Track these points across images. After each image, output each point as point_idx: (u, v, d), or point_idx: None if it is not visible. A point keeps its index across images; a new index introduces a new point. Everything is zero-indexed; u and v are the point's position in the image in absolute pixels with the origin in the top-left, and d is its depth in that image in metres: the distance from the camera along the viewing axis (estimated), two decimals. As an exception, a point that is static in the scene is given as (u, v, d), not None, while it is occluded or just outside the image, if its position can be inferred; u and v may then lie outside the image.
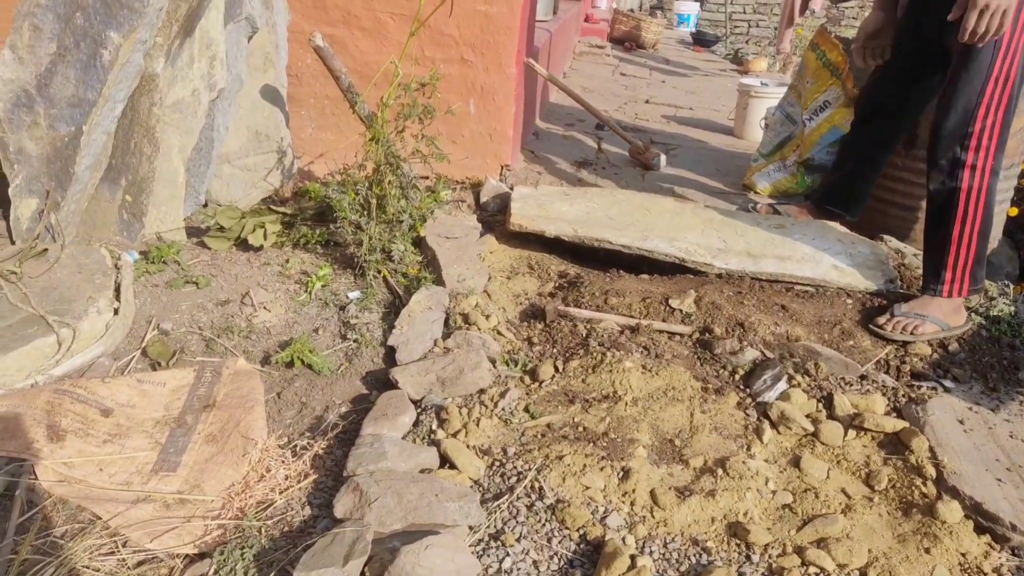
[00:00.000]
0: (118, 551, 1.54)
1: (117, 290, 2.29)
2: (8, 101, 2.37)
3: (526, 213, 2.93)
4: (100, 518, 1.60)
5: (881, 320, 2.55)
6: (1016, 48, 2.40)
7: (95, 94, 2.37)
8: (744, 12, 14.78)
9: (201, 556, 1.55)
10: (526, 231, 2.90)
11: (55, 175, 2.42)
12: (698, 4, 14.14)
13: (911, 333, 2.50)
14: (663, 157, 4.04)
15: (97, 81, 2.37)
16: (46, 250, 2.36)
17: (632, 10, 11.89)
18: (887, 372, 2.37)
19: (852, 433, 2.05)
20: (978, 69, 2.42)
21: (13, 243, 2.42)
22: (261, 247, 2.70)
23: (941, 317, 2.54)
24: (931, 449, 1.97)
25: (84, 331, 2.10)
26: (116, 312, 2.22)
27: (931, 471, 1.90)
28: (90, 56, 2.36)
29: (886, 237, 3.15)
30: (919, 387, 2.29)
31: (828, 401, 2.15)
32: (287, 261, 2.68)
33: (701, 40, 11.40)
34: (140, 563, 1.53)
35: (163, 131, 2.60)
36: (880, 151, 3.06)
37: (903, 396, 2.21)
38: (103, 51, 2.35)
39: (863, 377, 2.29)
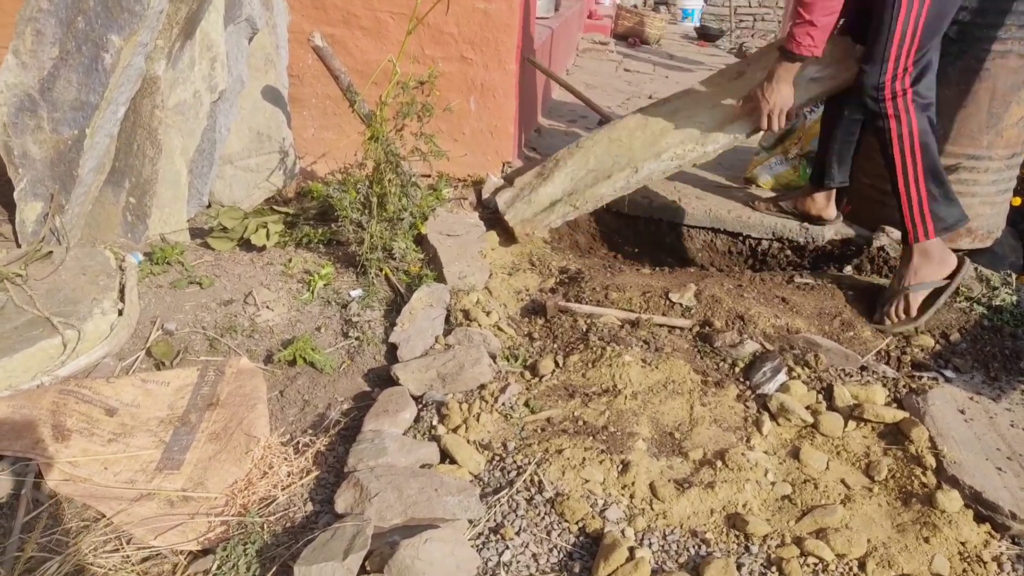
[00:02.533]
0: (122, 548, 1.56)
1: (121, 291, 2.32)
2: (12, 106, 2.40)
3: (523, 217, 2.93)
4: (105, 516, 1.62)
5: (875, 316, 2.61)
6: (917, 24, 2.45)
7: (97, 97, 2.39)
8: (749, 5, 14.74)
9: (204, 552, 1.57)
10: (536, 235, 2.91)
11: (59, 178, 2.44)
12: (702, -2, 14.09)
13: (911, 319, 2.54)
14: (665, 152, 4.03)
15: (99, 84, 2.39)
16: (51, 252, 2.39)
17: (636, 6, 11.87)
18: (887, 363, 2.37)
19: (852, 424, 2.05)
20: (889, 8, 2.47)
21: (18, 246, 2.45)
22: (264, 247, 2.72)
23: (924, 279, 2.58)
24: (931, 439, 1.97)
25: (89, 332, 2.12)
26: (120, 313, 2.24)
27: (931, 461, 1.90)
28: (92, 60, 2.38)
29: (887, 228, 3.14)
30: (920, 377, 2.29)
31: (828, 392, 2.15)
32: (290, 260, 2.69)
33: (705, 34, 11.37)
34: (144, 559, 1.55)
35: (165, 133, 2.62)
36: (849, 114, 3.05)
37: (903, 386, 2.21)
38: (104, 54, 2.37)
39: (863, 368, 2.29)
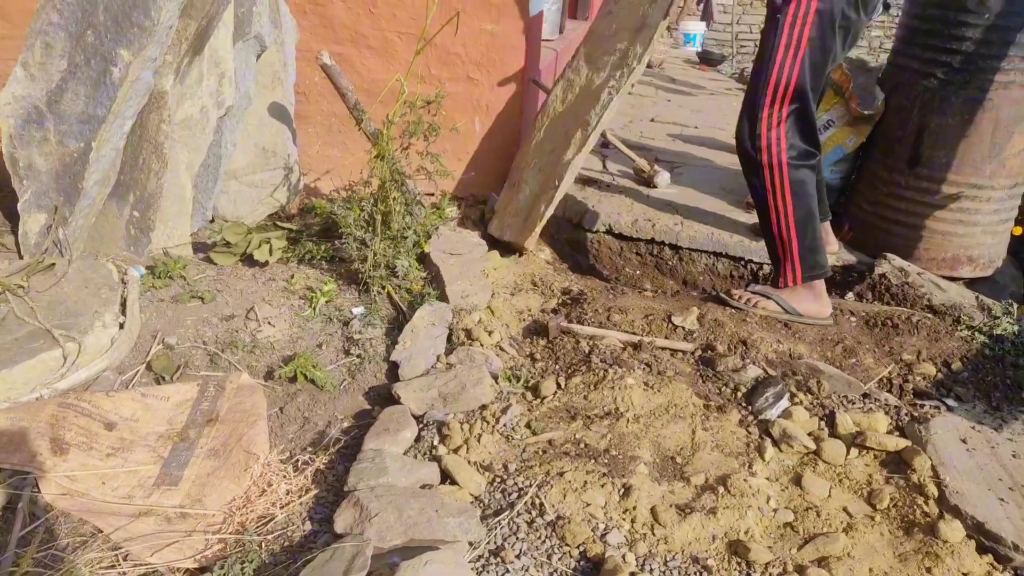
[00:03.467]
0: (119, 565, 1.54)
1: (123, 304, 2.31)
2: (19, 117, 2.41)
3: (518, 229, 2.96)
4: (102, 531, 1.61)
5: (734, 291, 2.78)
6: (800, 34, 2.49)
7: (104, 111, 2.40)
8: (750, 32, 14.84)
9: (202, 570, 1.56)
10: (537, 234, 2.93)
11: (64, 190, 2.44)
12: (704, 24, 14.21)
13: (753, 306, 2.70)
14: (667, 175, 4.05)
15: (107, 98, 2.40)
16: (53, 264, 2.38)
17: (639, 29, 11.93)
18: (890, 390, 2.37)
19: (854, 451, 2.04)
20: (766, 53, 2.56)
21: (21, 257, 2.44)
22: (267, 263, 2.72)
23: (788, 300, 2.71)
24: (933, 468, 1.96)
25: (89, 345, 2.11)
26: (122, 326, 2.23)
27: (933, 490, 1.89)
28: (100, 73, 2.39)
29: (889, 256, 3.15)
30: (922, 406, 2.29)
31: (830, 419, 2.14)
32: (292, 277, 2.69)
33: (707, 59, 11.44)
34: (141, 576, 1.53)
35: (171, 148, 2.63)
36: None
37: (906, 415, 2.21)
38: (113, 68, 2.38)
39: (865, 395, 2.28)
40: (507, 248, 3.12)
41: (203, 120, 2.73)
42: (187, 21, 2.55)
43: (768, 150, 2.59)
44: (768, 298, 2.74)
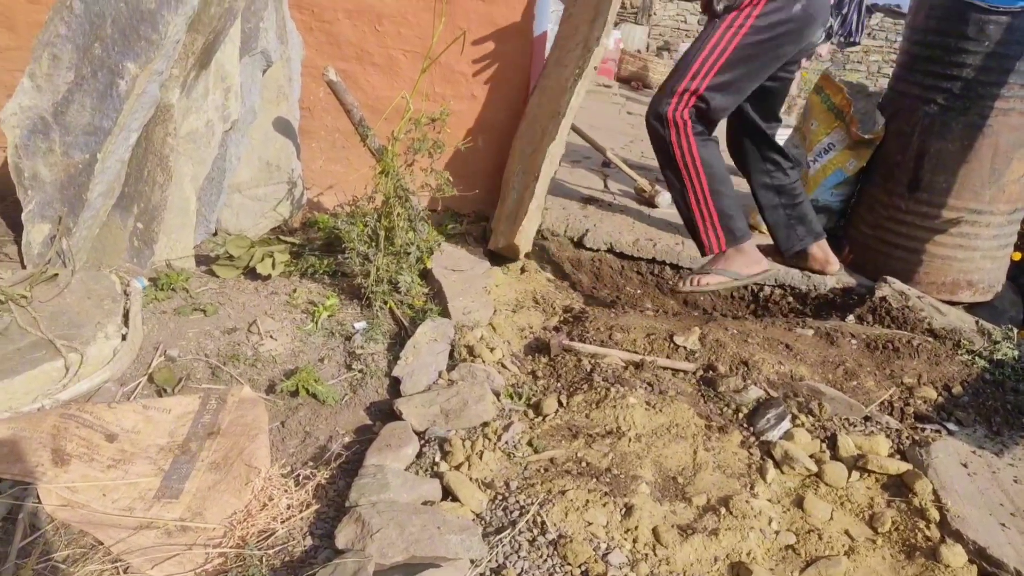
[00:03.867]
0: (119, 577, 1.53)
1: (125, 316, 2.31)
2: (25, 128, 2.41)
3: (515, 232, 2.97)
4: (102, 543, 1.60)
5: (679, 282, 2.89)
6: (737, 29, 2.58)
7: (110, 123, 2.41)
8: (750, 54, 14.86)
9: (202, 584, 1.55)
10: (533, 230, 2.97)
11: (68, 201, 2.44)
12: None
13: (698, 284, 2.78)
14: (668, 195, 4.06)
15: (113, 110, 2.41)
16: (56, 275, 2.38)
17: (639, 51, 12.04)
18: (891, 414, 2.37)
19: (856, 474, 2.04)
20: (694, 47, 2.66)
21: (24, 267, 2.44)
22: (269, 276, 2.72)
23: (727, 268, 2.79)
24: (935, 492, 1.96)
25: (92, 356, 2.11)
26: (124, 338, 2.23)
27: (935, 514, 1.89)
28: (107, 86, 2.40)
29: (889, 279, 3.16)
30: (923, 429, 2.29)
31: (832, 441, 2.14)
32: (294, 291, 2.69)
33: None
34: (140, 590, 1.52)
35: (176, 161, 2.64)
36: (762, 183, 3.17)
37: (907, 438, 2.21)
38: (120, 81, 2.40)
39: (867, 418, 2.28)
40: (506, 261, 3.12)
41: (208, 134, 2.74)
42: (194, 35, 2.57)
43: (675, 127, 2.67)
44: (708, 273, 2.83)
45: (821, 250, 3.19)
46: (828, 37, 2.86)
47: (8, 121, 2.40)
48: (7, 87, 3.02)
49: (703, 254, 2.87)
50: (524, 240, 2.97)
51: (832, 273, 3.21)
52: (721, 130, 2.91)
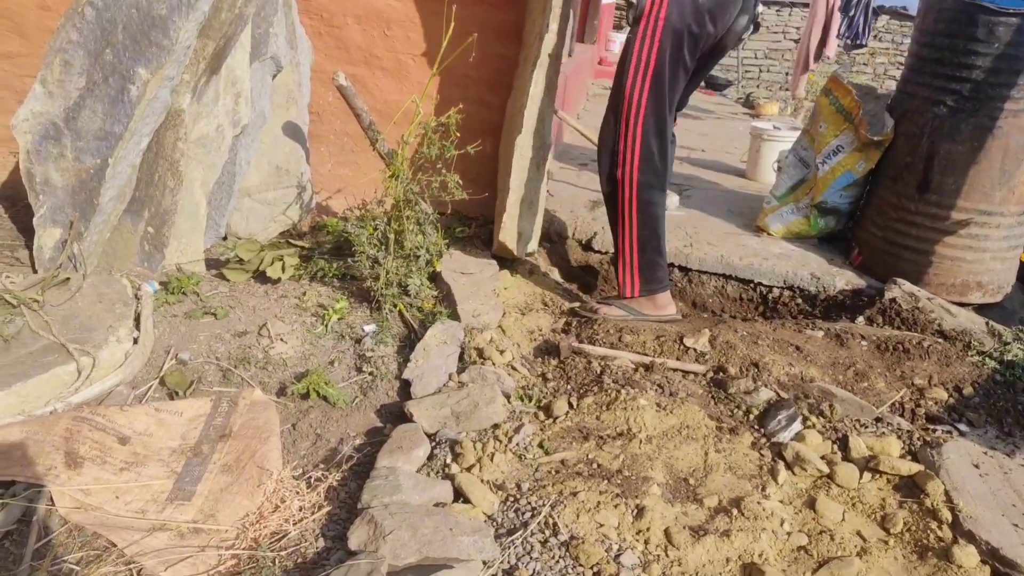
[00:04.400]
0: (133, 579, 1.54)
1: (137, 320, 2.32)
2: (36, 133, 2.43)
3: (518, 233, 2.99)
4: (115, 545, 1.60)
5: (585, 304, 2.96)
6: (650, 53, 2.56)
7: (122, 128, 2.42)
8: (755, 57, 14.94)
9: (215, 586, 1.55)
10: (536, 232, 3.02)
11: (79, 206, 2.46)
12: (710, 49, 14.30)
13: (598, 312, 2.84)
14: (676, 197, 4.07)
15: (124, 115, 2.42)
16: (68, 279, 2.39)
17: (645, 54, 12.02)
18: (902, 415, 2.36)
19: (867, 475, 2.04)
20: (619, 76, 2.65)
21: (36, 271, 2.46)
22: (279, 279, 2.73)
23: (630, 306, 2.85)
24: (946, 493, 1.95)
25: (104, 360, 2.12)
26: (135, 341, 2.24)
27: (947, 515, 1.89)
28: (118, 91, 2.42)
29: (899, 280, 3.16)
30: (934, 430, 2.28)
31: (843, 443, 2.14)
32: (304, 294, 2.70)
33: (712, 84, 11.52)
34: (154, 591, 1.53)
35: (187, 165, 2.65)
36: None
37: (918, 439, 2.20)
38: (131, 86, 2.41)
39: (878, 419, 2.28)
40: (514, 263, 3.12)
41: (219, 138, 2.76)
42: (205, 41, 2.58)
43: (623, 173, 2.68)
44: (611, 306, 2.87)
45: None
46: (756, 29, 2.80)
47: (20, 127, 2.42)
48: (19, 93, 3.05)
49: (619, 296, 2.89)
50: (508, 236, 2.97)
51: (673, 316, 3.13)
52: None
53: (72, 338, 2.14)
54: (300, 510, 1.78)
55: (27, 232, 2.56)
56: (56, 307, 2.27)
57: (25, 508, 1.66)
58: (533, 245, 3.21)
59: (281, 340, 2.44)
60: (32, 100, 2.42)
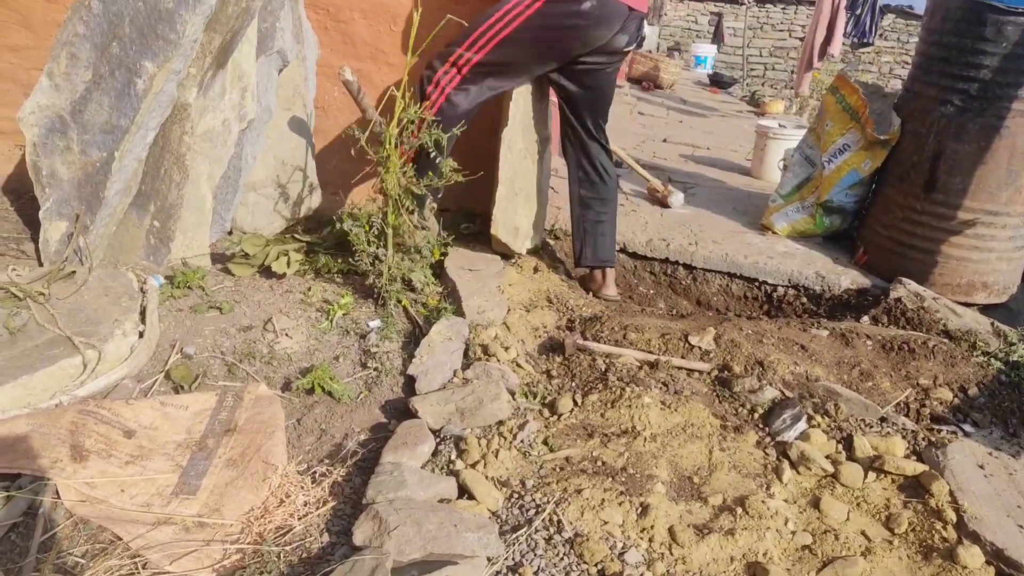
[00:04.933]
0: (138, 572, 1.54)
1: (142, 313, 2.32)
2: (43, 126, 2.43)
3: (514, 229, 2.97)
4: (121, 539, 1.61)
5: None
6: (512, 20, 2.60)
7: (128, 121, 2.42)
8: (760, 56, 14.91)
9: (220, 580, 1.56)
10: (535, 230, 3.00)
11: (85, 199, 2.46)
12: (715, 47, 14.31)
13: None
14: (681, 195, 4.06)
15: (130, 109, 2.42)
16: (74, 272, 2.40)
17: (650, 51, 12.04)
18: (907, 415, 2.36)
19: (872, 475, 2.04)
20: (479, 18, 2.67)
21: (42, 264, 2.46)
22: (284, 275, 2.73)
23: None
24: (951, 493, 1.95)
25: (109, 353, 2.12)
26: (141, 335, 2.24)
27: (951, 515, 1.89)
28: (124, 84, 2.41)
29: (904, 280, 3.15)
30: (939, 431, 2.28)
31: (848, 442, 2.14)
32: (309, 289, 2.70)
33: (718, 82, 11.51)
34: (159, 585, 1.53)
35: (193, 159, 2.65)
36: (582, 197, 3.11)
37: (923, 439, 2.20)
38: (137, 80, 2.41)
39: (883, 419, 2.28)
40: (512, 259, 3.12)
41: (225, 133, 2.75)
42: (212, 35, 2.58)
43: (435, 87, 2.72)
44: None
45: (603, 275, 3.14)
46: (638, 45, 2.80)
47: (27, 119, 2.42)
48: (25, 86, 3.04)
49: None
50: (500, 230, 2.96)
51: (604, 297, 3.11)
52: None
53: (78, 331, 2.14)
54: (305, 505, 1.78)
55: (33, 225, 2.56)
56: (62, 300, 2.27)
57: (31, 501, 1.67)
58: (535, 241, 3.20)
59: (286, 335, 2.44)
60: (38, 93, 2.42)
